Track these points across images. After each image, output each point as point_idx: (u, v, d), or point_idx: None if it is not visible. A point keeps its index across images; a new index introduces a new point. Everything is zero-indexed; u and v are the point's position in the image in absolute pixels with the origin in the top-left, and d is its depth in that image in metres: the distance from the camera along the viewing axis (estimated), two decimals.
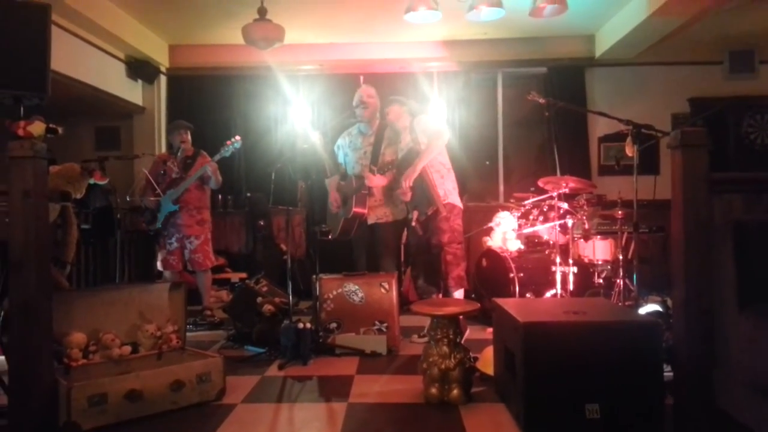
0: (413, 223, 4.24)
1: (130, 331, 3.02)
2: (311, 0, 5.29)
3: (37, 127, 3.18)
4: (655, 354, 2.36)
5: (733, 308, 2.19)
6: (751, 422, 2.06)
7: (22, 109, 2.90)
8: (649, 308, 3.72)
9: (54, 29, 3.04)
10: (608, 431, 2.29)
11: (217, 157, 4.66)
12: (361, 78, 6.16)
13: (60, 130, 3.38)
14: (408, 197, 4.20)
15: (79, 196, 3.77)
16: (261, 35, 5.08)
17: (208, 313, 4.83)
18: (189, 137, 4.88)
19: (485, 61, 6.48)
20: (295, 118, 6.48)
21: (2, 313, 2.77)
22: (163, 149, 6.38)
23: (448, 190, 4.21)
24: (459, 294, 4.21)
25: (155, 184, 4.74)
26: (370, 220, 4.39)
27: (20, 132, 2.85)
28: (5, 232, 2.39)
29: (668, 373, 2.48)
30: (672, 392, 2.37)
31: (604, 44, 6.12)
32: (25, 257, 2.37)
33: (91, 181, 3.95)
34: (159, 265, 4.81)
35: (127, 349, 2.95)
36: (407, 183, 4.04)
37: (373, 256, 4.47)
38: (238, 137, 4.67)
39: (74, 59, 5.11)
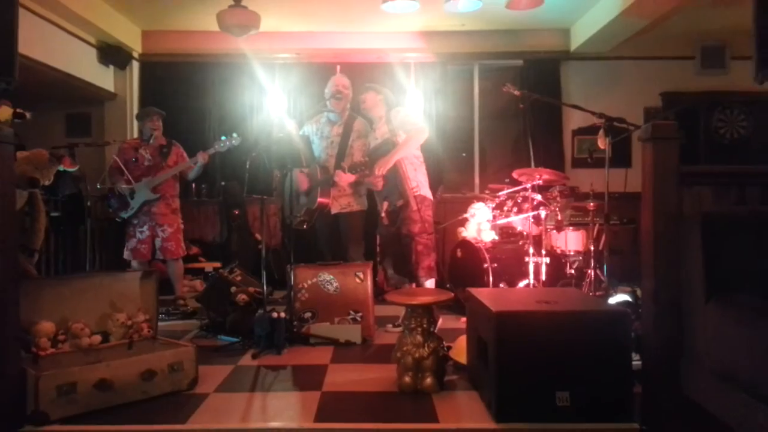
0: (382, 214, 4.25)
1: (100, 320, 2.96)
2: None
3: (4, 112, 3.11)
4: (625, 343, 2.41)
5: (701, 299, 2.23)
6: (716, 409, 2.11)
7: None
8: (618, 298, 3.77)
9: (22, 12, 2.97)
10: (578, 418, 2.34)
11: (211, 150, 4.62)
12: (338, 67, 6.12)
13: (28, 114, 3.31)
14: (380, 186, 4.21)
15: (47, 182, 3.70)
16: (236, 21, 5.02)
17: (181, 302, 4.78)
18: (161, 124, 4.82)
19: (462, 52, 6.48)
20: (271, 107, 6.42)
21: None
22: (135, 136, 6.27)
23: (420, 182, 4.24)
24: (430, 284, 4.24)
25: (126, 171, 4.65)
26: (334, 210, 4.39)
27: None
28: None
29: (637, 361, 2.53)
30: (640, 380, 2.42)
31: (579, 38, 6.17)
32: None
33: (60, 167, 3.88)
34: (127, 255, 4.72)
35: (97, 338, 2.90)
36: (380, 171, 4.06)
37: (339, 246, 4.48)
38: (236, 136, 4.57)
39: (43, 43, 4.97)
